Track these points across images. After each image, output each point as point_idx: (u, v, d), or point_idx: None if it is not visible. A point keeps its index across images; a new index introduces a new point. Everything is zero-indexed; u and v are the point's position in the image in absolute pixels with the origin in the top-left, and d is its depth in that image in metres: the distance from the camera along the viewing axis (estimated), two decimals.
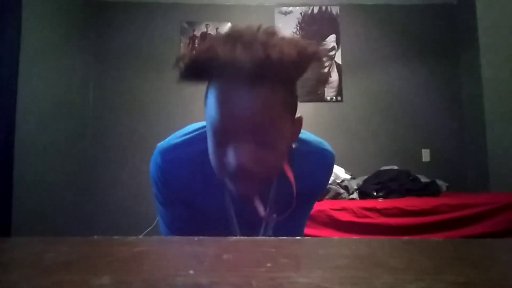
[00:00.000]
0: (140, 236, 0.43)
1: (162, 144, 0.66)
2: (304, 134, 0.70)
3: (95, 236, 0.38)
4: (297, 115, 0.59)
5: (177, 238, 0.41)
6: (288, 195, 0.64)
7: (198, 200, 0.67)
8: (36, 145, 2.29)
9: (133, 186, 2.98)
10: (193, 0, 3.17)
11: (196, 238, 0.37)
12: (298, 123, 0.60)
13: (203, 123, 0.67)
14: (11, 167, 2.01)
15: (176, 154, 0.64)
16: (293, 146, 0.61)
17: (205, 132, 0.61)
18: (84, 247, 0.35)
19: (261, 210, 0.62)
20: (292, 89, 0.55)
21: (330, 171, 0.75)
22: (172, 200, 0.69)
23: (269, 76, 0.48)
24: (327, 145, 0.73)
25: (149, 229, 2.64)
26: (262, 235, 0.71)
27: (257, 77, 0.47)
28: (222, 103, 0.50)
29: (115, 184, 3.00)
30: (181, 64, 0.52)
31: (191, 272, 0.25)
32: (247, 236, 0.70)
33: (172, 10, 3.19)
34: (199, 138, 0.64)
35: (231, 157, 0.50)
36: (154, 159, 0.66)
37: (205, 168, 0.61)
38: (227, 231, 0.68)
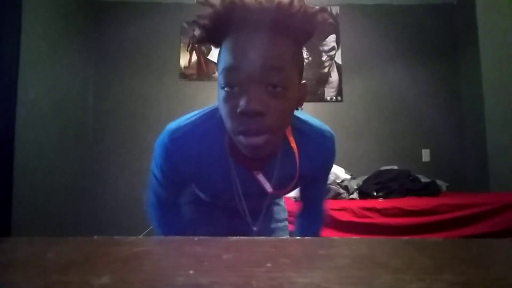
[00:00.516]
0: (140, 236, 0.43)
1: (171, 125, 0.69)
2: (305, 116, 0.74)
3: (95, 236, 0.38)
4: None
5: (177, 238, 0.41)
6: (292, 169, 0.68)
7: (205, 176, 0.70)
8: (36, 146, 2.29)
9: (133, 186, 2.98)
10: (193, 0, 3.16)
11: (196, 238, 0.37)
12: (304, 88, 0.62)
13: (210, 106, 0.71)
14: (11, 167, 2.01)
15: (183, 133, 0.66)
16: (300, 109, 0.65)
17: (211, 112, 0.67)
18: (84, 247, 0.35)
19: (267, 186, 0.67)
20: (300, 50, 0.59)
21: (332, 152, 0.77)
22: (176, 180, 0.72)
23: (280, 24, 0.53)
24: (327, 127, 0.76)
25: (149, 229, 2.64)
26: (265, 211, 0.75)
27: (269, 24, 0.52)
28: (237, 47, 0.54)
29: (115, 184, 3.00)
30: (199, 22, 0.62)
31: (191, 272, 0.25)
32: (252, 211, 0.75)
33: (172, 10, 3.19)
34: (206, 117, 0.68)
35: (243, 100, 0.53)
36: (162, 139, 0.68)
37: (211, 145, 0.66)
38: (233, 207, 0.72)
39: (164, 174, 0.71)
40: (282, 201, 1.05)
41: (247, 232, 0.79)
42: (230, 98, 0.55)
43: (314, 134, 0.72)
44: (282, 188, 0.72)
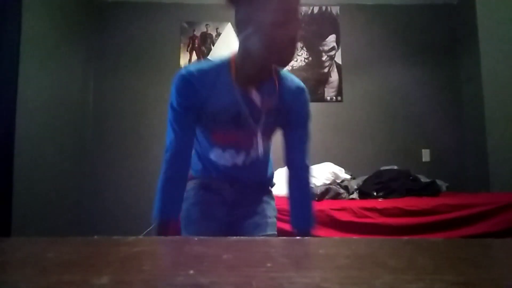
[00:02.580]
0: (140, 236, 0.43)
1: (185, 67, 0.92)
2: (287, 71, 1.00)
3: (95, 236, 0.38)
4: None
5: (177, 238, 0.41)
6: (274, 99, 0.93)
7: (214, 100, 0.90)
8: (36, 145, 2.29)
9: (133, 186, 2.98)
10: (193, 0, 3.17)
11: (196, 238, 0.37)
12: (301, 32, 0.97)
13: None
14: (11, 167, 2.01)
15: (197, 67, 0.90)
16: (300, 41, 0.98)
17: (220, 59, 0.93)
18: (84, 247, 0.35)
19: (257, 99, 0.90)
20: (300, 11, 0.90)
21: (307, 103, 1.00)
22: (189, 106, 0.91)
23: None
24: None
25: (149, 229, 2.64)
26: (255, 146, 0.96)
27: None
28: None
29: (115, 184, 3.00)
30: None
31: (191, 272, 0.25)
32: (245, 145, 0.96)
33: (172, 10, 3.20)
34: (214, 60, 0.93)
35: (280, 29, 0.80)
36: (179, 72, 0.90)
37: (221, 76, 0.90)
38: (240, 124, 0.92)
39: (181, 104, 0.91)
40: (273, 201, 1.13)
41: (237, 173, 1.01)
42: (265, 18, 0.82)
43: (294, 83, 0.97)
44: (268, 115, 0.93)
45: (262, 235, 1.04)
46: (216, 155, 0.99)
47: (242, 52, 0.87)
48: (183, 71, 0.89)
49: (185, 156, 0.96)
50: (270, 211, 1.10)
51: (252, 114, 0.92)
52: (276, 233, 1.08)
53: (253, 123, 0.93)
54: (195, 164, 1.07)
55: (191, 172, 1.06)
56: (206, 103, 0.90)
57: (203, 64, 0.91)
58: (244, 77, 0.89)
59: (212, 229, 1.00)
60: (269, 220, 1.08)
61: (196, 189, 1.05)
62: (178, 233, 1.02)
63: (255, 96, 0.90)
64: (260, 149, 0.96)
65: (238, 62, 0.89)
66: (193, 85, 0.88)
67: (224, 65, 0.91)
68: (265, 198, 1.10)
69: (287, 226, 1.82)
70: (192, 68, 0.89)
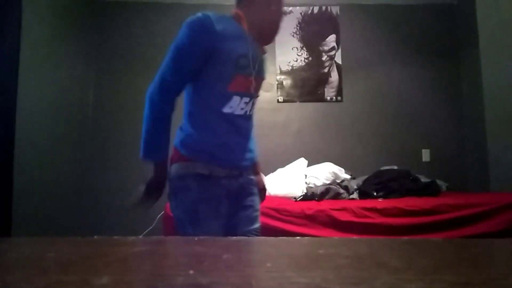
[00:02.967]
0: (140, 236, 0.43)
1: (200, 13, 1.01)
2: None
3: (95, 236, 0.38)
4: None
5: (177, 238, 0.41)
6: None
7: (232, 45, 0.99)
8: (36, 145, 2.29)
9: (133, 186, 2.97)
10: (193, 0, 3.17)
11: (196, 238, 0.37)
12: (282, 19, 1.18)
13: None
14: (11, 167, 2.01)
15: (212, 13, 1.00)
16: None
17: (223, 13, 1.07)
18: (84, 247, 0.35)
19: (260, 54, 1.10)
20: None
21: None
22: (204, 48, 0.98)
23: None
24: None
25: (149, 229, 2.64)
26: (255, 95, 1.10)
27: None
28: None
29: (115, 184, 3.00)
30: None
31: (191, 272, 0.25)
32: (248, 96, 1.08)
33: (172, 10, 3.19)
34: (219, 13, 1.04)
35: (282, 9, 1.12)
36: (195, 16, 0.99)
37: (233, 25, 1.03)
38: (253, 70, 1.04)
39: (196, 45, 0.97)
40: (257, 196, 1.19)
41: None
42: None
43: None
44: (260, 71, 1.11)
45: (253, 228, 1.12)
46: (233, 105, 1.04)
47: (251, 16, 1.06)
48: (199, 15, 0.99)
49: (176, 101, 1.05)
50: (258, 203, 1.17)
51: (254, 64, 1.05)
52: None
53: (256, 72, 1.06)
54: (192, 142, 1.05)
55: (182, 152, 1.05)
56: (223, 47, 0.98)
57: (214, 13, 1.01)
58: (253, 33, 1.07)
59: (220, 228, 1.02)
60: (258, 213, 1.15)
61: (197, 180, 1.01)
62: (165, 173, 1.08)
63: (261, 50, 1.11)
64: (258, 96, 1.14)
65: (248, 20, 1.06)
66: (211, 27, 0.96)
67: (232, 18, 1.06)
68: (255, 190, 1.16)
69: (287, 226, 1.81)
70: (208, 13, 0.99)
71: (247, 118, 1.09)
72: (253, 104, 1.10)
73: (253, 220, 1.12)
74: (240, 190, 1.09)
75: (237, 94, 1.03)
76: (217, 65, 0.99)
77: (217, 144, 1.03)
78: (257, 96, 1.13)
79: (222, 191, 1.03)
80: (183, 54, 0.98)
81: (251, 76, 1.04)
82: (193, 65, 0.99)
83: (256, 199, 1.16)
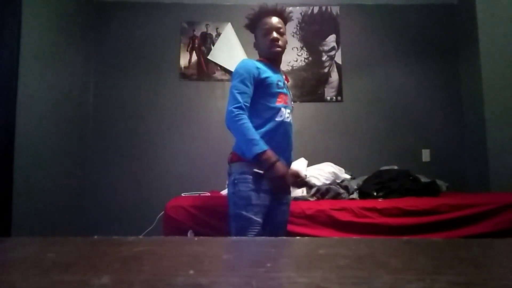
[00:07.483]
0: (140, 236, 0.43)
1: (246, 59, 1.58)
2: None
3: (95, 236, 0.38)
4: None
5: (177, 238, 0.41)
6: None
7: (270, 76, 1.49)
8: (36, 146, 2.29)
9: (133, 186, 2.98)
10: (193, 0, 3.17)
11: (196, 238, 0.37)
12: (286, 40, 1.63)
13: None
14: (11, 167, 2.01)
15: (249, 58, 1.59)
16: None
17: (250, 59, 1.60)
18: (84, 247, 0.35)
19: (283, 78, 1.61)
20: (285, 26, 1.61)
21: None
22: (254, 78, 1.46)
23: (279, 13, 1.59)
24: None
25: (149, 229, 2.64)
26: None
27: (276, 13, 1.58)
28: (268, 21, 1.56)
29: (115, 184, 3.00)
30: (249, 17, 1.63)
31: (191, 272, 0.25)
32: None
33: (172, 10, 3.19)
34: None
35: (272, 36, 1.54)
36: (246, 61, 1.52)
37: (260, 62, 1.54)
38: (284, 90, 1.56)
39: (250, 77, 1.44)
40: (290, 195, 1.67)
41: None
42: (268, 37, 1.56)
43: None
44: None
45: (283, 221, 1.57)
46: (281, 113, 1.48)
47: (264, 55, 1.60)
48: (246, 59, 1.54)
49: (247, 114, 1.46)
50: (290, 201, 1.61)
51: (284, 85, 1.56)
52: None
53: (286, 90, 1.56)
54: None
55: (239, 155, 1.44)
56: (266, 77, 1.47)
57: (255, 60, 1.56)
58: (270, 62, 1.58)
59: (263, 214, 1.40)
60: (288, 208, 1.59)
61: (254, 176, 1.40)
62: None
63: (284, 77, 1.63)
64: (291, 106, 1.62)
65: (261, 56, 1.61)
66: (255, 66, 1.48)
67: (257, 60, 1.56)
68: (289, 189, 1.55)
69: (287, 226, 1.81)
70: (248, 59, 1.58)
71: (291, 124, 1.56)
72: (290, 112, 1.56)
73: (285, 213, 1.58)
74: (282, 186, 1.44)
75: (282, 105, 1.49)
76: (266, 88, 1.46)
77: (272, 147, 1.39)
78: (292, 107, 1.60)
79: (267, 186, 1.41)
80: (243, 86, 1.43)
81: (285, 93, 1.53)
82: (250, 91, 1.45)
83: (287, 196, 1.56)
